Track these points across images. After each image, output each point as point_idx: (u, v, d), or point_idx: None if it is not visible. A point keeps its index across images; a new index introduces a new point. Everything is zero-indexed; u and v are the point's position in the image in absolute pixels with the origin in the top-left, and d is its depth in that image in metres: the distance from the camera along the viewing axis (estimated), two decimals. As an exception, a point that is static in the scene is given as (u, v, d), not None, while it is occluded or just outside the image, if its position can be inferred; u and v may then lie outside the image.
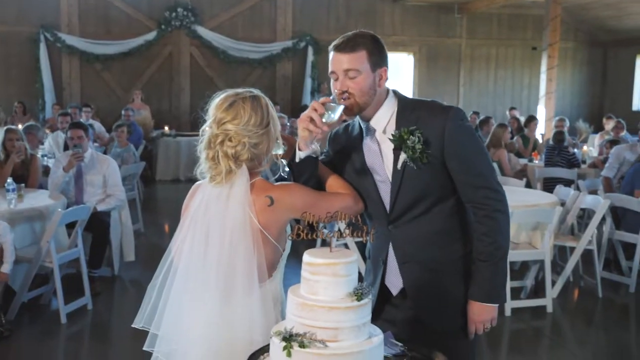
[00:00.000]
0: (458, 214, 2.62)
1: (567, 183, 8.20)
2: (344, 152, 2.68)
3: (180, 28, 15.29)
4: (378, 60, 2.52)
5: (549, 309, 5.91)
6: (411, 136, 2.46)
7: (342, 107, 2.43)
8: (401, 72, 17.10)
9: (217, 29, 15.55)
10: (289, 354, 1.99)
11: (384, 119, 2.57)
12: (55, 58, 15.01)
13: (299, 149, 2.48)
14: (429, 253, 2.60)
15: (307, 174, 2.49)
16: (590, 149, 11.56)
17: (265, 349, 2.18)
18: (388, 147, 2.55)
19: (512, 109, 14.81)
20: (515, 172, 9.34)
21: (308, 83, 15.98)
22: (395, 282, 2.68)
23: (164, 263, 2.52)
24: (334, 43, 2.50)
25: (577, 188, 7.67)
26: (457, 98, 17.30)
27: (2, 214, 5.39)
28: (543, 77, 13.55)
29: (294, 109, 15.21)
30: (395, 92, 2.64)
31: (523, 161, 9.93)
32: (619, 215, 6.87)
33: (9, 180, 5.65)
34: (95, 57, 14.99)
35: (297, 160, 2.49)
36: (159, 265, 2.53)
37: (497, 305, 2.63)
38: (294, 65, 16.13)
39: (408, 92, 16.96)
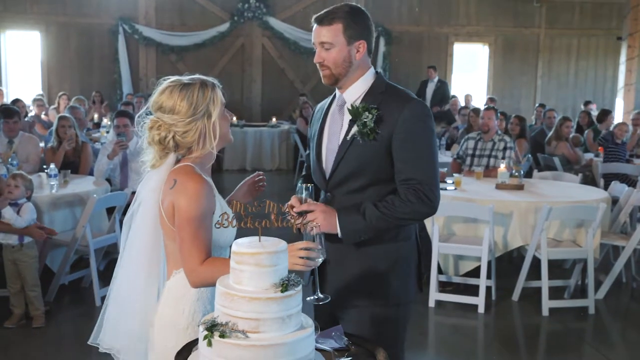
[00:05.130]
0: None
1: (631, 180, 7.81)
2: (317, 116, 2.84)
3: (252, 19, 15.44)
4: (355, 34, 2.60)
5: (591, 311, 5.63)
6: (366, 112, 2.53)
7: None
8: (476, 63, 16.69)
9: (288, 20, 15.63)
10: (209, 344, 1.97)
11: (356, 94, 2.67)
12: (132, 49, 15.49)
13: None
14: None
15: None
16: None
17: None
18: (349, 119, 2.63)
19: (587, 103, 14.15)
20: (580, 166, 8.95)
21: (379, 74, 15.81)
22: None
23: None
24: (315, 15, 2.62)
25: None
26: (535, 90, 16.73)
27: (44, 198, 5.61)
28: (622, 68, 12.91)
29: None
30: (376, 73, 2.70)
31: (589, 156, 9.50)
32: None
33: (52, 166, 5.87)
34: (170, 48, 15.40)
35: None
36: None
37: (338, 232, 2.54)
38: (365, 57, 15.97)
39: (482, 84, 16.57)
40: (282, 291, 1.99)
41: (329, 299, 2.43)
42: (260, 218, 2.09)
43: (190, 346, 2.19)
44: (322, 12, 2.61)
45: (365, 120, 2.51)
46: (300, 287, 2.04)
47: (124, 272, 2.45)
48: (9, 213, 4.96)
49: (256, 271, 2.00)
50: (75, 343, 5.05)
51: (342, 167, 2.60)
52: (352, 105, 2.58)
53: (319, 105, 2.89)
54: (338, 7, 2.59)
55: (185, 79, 2.43)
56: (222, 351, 1.95)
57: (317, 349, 2.13)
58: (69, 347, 5.03)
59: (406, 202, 2.52)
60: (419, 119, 2.55)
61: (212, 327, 1.98)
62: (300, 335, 2.01)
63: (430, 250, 5.64)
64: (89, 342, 2.50)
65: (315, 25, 2.62)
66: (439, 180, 2.61)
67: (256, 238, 2.07)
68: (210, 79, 2.49)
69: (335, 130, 2.68)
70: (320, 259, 2.30)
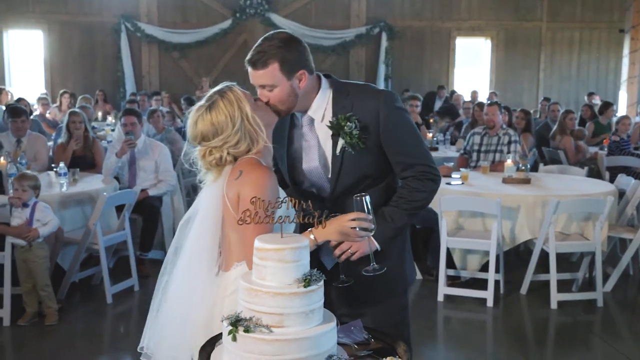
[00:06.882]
0: (388, 194, 2.70)
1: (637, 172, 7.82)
2: (282, 139, 2.74)
3: (254, 16, 15.47)
4: (293, 67, 2.53)
5: (599, 304, 5.66)
6: (348, 122, 2.55)
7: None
8: (478, 57, 16.71)
9: (290, 16, 15.65)
10: (234, 339, 2.01)
11: (321, 109, 2.65)
12: (135, 47, 15.56)
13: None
14: None
15: None
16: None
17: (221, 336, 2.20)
18: (326, 134, 2.64)
19: (591, 94, 14.16)
20: (585, 160, 8.96)
21: (382, 69, 15.89)
22: (330, 255, 2.67)
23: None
24: (247, 57, 2.52)
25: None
26: (537, 84, 16.75)
27: (54, 197, 5.63)
28: (625, 60, 12.94)
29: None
30: (328, 78, 2.69)
31: (594, 149, 9.50)
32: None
33: (61, 165, 5.91)
34: (172, 45, 15.45)
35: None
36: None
37: (377, 248, 2.58)
38: (368, 52, 16.05)
39: (485, 78, 16.58)
40: (305, 286, 2.02)
41: (385, 269, 2.49)
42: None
43: (214, 341, 2.23)
44: (254, 53, 2.51)
45: (349, 131, 2.53)
46: (322, 282, 2.07)
47: (180, 275, 2.51)
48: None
49: (279, 267, 2.04)
50: (88, 340, 5.10)
51: (342, 181, 2.63)
52: (331, 122, 2.58)
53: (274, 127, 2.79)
54: (268, 44, 2.50)
55: (204, 102, 2.45)
56: (246, 346, 1.99)
57: (338, 343, 2.16)
58: (81, 344, 5.07)
59: (421, 189, 2.62)
60: (395, 109, 2.61)
61: (236, 322, 2.02)
62: (323, 329, 2.04)
63: (439, 245, 5.68)
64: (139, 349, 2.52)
65: (250, 69, 2.53)
66: (430, 152, 2.73)
67: (277, 234, 2.11)
68: (221, 85, 2.49)
69: (312, 149, 2.68)
70: (372, 229, 2.40)
